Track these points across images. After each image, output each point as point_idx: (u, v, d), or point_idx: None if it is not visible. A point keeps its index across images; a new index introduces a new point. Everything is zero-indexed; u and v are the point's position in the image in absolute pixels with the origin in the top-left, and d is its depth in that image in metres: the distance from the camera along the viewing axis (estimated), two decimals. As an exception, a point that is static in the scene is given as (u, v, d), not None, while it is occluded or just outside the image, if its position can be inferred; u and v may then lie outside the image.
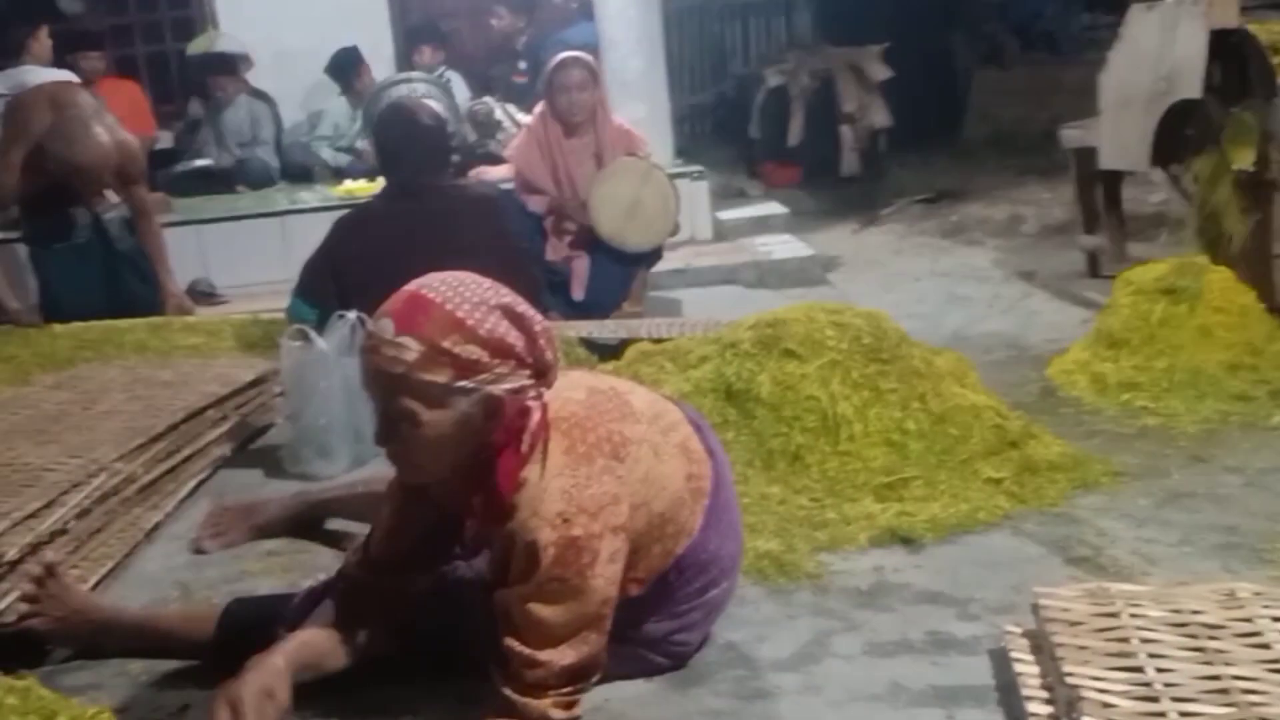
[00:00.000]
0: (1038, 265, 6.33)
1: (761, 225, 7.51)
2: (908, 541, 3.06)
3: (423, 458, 2.21)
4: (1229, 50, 4.64)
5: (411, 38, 8.59)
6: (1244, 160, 4.47)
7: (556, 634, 2.16)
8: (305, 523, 3.35)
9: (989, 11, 10.79)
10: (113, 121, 5.65)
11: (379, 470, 3.10)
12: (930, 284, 6.26)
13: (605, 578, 2.17)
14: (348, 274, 4.25)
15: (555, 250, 5.65)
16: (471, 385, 2.11)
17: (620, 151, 5.68)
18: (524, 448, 2.17)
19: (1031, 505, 3.22)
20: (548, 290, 5.01)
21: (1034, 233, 7.20)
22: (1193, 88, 4.67)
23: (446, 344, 2.09)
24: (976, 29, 10.71)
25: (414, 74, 7.40)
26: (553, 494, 2.14)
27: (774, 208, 7.85)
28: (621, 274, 5.69)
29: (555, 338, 2.24)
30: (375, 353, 2.12)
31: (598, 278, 5.64)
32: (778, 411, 3.47)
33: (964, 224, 7.63)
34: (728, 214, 7.59)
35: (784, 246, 7.04)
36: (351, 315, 3.84)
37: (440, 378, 2.10)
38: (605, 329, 4.87)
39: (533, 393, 2.18)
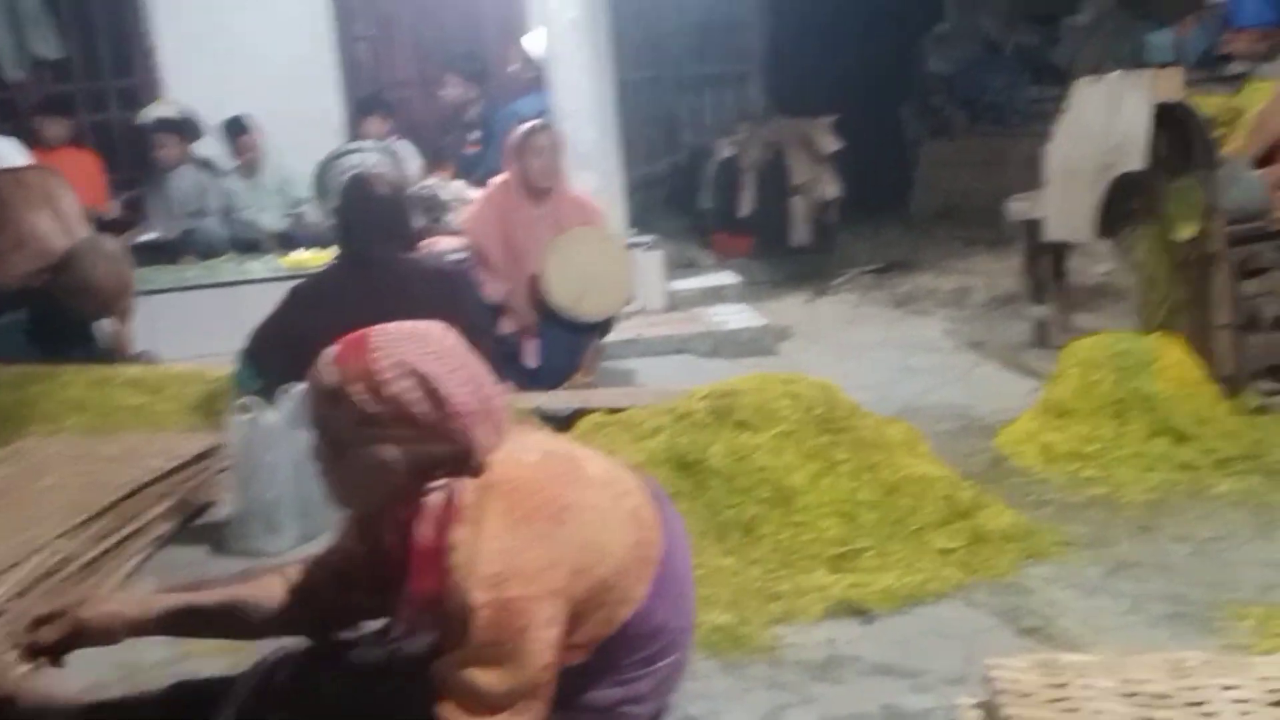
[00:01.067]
0: (987, 335, 6.39)
1: (714, 295, 7.52)
2: (861, 613, 3.06)
3: (331, 485, 2.24)
4: (1173, 123, 4.72)
5: (360, 108, 8.63)
6: (1187, 231, 4.53)
7: (494, 702, 2.11)
8: None
9: (937, 84, 10.95)
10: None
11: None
12: (882, 354, 6.30)
13: (543, 642, 2.12)
14: (299, 343, 4.15)
15: (508, 324, 5.63)
16: (362, 437, 2.11)
17: (577, 222, 5.69)
18: (417, 536, 2.12)
19: (983, 575, 3.24)
20: (501, 362, 4.99)
21: (983, 303, 7.26)
22: (1137, 160, 4.73)
23: (350, 389, 2.11)
24: (925, 101, 10.87)
25: (365, 143, 7.40)
26: (488, 556, 2.09)
27: (727, 278, 7.86)
28: (574, 343, 5.68)
29: (486, 427, 2.17)
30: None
31: (550, 347, 5.63)
32: (731, 482, 3.47)
33: (914, 294, 7.69)
34: (681, 284, 7.61)
35: (737, 316, 7.06)
36: (302, 387, 3.81)
37: (340, 418, 2.12)
38: (558, 399, 4.86)
39: (439, 473, 2.13)
